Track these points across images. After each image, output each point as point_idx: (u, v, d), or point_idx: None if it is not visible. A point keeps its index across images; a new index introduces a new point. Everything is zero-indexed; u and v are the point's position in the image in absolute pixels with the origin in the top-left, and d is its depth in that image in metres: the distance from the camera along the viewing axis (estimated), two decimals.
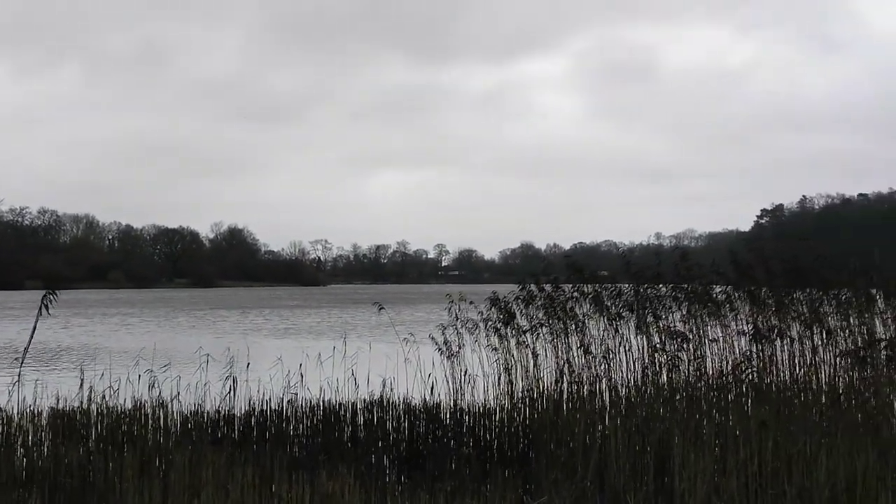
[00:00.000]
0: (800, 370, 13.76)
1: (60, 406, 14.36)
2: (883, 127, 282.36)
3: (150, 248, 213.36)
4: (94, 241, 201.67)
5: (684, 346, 13.63)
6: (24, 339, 12.44)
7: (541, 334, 15.26)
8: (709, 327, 14.56)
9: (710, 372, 13.96)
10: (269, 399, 14.76)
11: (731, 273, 15.17)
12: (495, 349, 15.66)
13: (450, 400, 15.21)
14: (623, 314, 14.80)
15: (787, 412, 12.03)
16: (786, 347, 13.98)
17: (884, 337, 13.23)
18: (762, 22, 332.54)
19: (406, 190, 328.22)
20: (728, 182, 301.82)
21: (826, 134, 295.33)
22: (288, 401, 14.70)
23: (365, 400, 14.97)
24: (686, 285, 14.95)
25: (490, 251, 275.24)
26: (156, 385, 14.59)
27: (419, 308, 69.20)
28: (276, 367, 15.49)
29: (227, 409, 14.56)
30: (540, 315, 15.42)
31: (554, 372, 14.94)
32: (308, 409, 14.70)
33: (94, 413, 14.07)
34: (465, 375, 15.60)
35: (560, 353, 14.95)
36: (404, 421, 14.56)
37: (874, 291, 14.88)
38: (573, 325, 14.89)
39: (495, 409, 14.98)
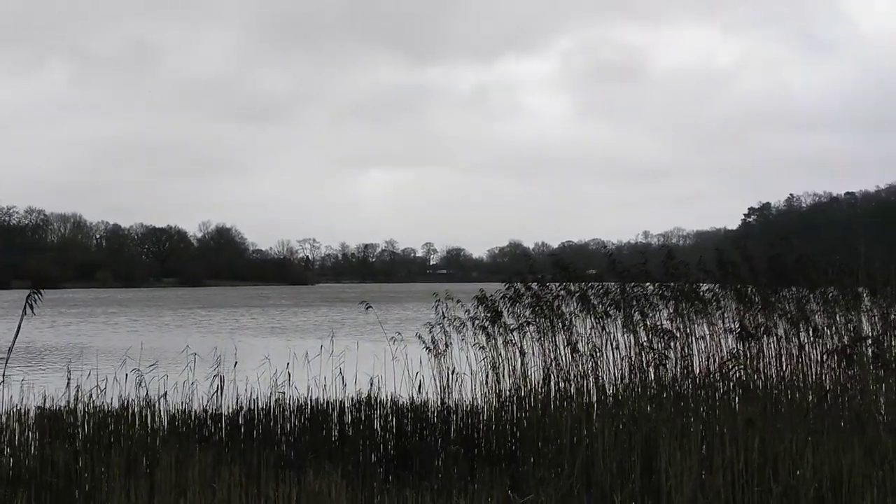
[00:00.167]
0: (786, 368, 13.81)
1: (47, 405, 14.32)
2: (870, 126, 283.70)
3: (138, 247, 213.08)
4: (81, 240, 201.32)
5: (671, 344, 13.66)
6: (9, 338, 12.41)
7: (528, 333, 15.28)
8: (695, 325, 14.60)
9: (697, 370, 14.00)
10: (257, 398, 14.74)
11: (717, 271, 15.22)
12: (483, 348, 15.67)
13: (437, 398, 15.22)
14: (610, 312, 14.84)
15: (774, 410, 12.07)
16: (772, 345, 14.03)
17: (870, 335, 13.28)
18: (750, 22, 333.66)
19: (394, 189, 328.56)
20: (716, 181, 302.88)
21: (814, 133, 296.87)
22: (275, 400, 14.68)
23: (352, 399, 14.96)
24: (672, 283, 14.99)
25: (478, 250, 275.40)
26: (143, 384, 14.55)
27: (407, 307, 69.18)
28: (263, 366, 15.47)
29: (214, 408, 14.53)
30: (527, 314, 15.45)
31: (541, 370, 14.96)
32: (295, 408, 14.68)
33: (81, 412, 14.03)
34: (452, 374, 15.61)
35: (547, 351, 14.97)
36: (392, 419, 14.55)
37: (860, 289, 14.94)
38: (560, 324, 14.91)
39: (483, 407, 14.99)
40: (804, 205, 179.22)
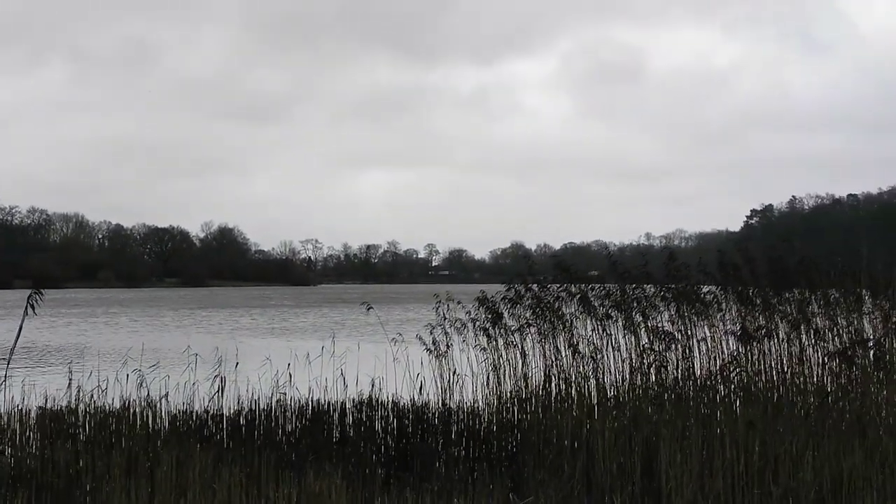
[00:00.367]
0: (787, 370, 13.80)
1: (48, 406, 14.32)
2: (870, 127, 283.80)
3: (140, 247, 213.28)
4: (83, 240, 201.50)
5: (672, 345, 13.66)
6: (10, 338, 12.43)
7: (529, 334, 15.28)
8: (696, 327, 14.59)
9: (698, 372, 14.00)
10: (258, 399, 14.74)
11: (718, 273, 15.22)
12: (484, 349, 15.68)
13: (438, 400, 15.22)
14: (611, 314, 14.84)
15: (775, 412, 12.06)
16: (773, 347, 14.02)
17: (871, 337, 13.28)
18: (749, 22, 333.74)
19: (396, 190, 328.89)
20: (716, 182, 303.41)
21: (815, 134, 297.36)
22: (276, 400, 14.68)
23: (353, 400, 14.96)
24: (674, 285, 14.98)
25: (480, 251, 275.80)
26: (144, 385, 14.55)
27: (408, 308, 69.20)
28: (264, 367, 15.46)
29: (215, 408, 14.53)
30: (528, 315, 15.45)
31: (542, 372, 14.96)
32: (296, 409, 14.68)
33: (82, 413, 14.04)
34: (453, 375, 15.61)
35: (548, 353, 14.97)
36: (392, 421, 14.55)
37: (862, 291, 14.93)
38: (561, 325, 14.91)
39: (483, 408, 14.99)
40: (806, 206, 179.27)
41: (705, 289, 15.27)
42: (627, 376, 14.13)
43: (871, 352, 12.25)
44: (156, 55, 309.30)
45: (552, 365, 14.82)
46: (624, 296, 14.88)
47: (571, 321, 14.98)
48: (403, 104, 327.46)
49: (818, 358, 13.73)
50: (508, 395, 15.09)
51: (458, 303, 16.53)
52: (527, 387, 15.02)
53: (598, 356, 14.43)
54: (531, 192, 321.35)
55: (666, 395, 13.15)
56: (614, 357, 14.54)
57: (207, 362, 15.28)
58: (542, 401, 14.59)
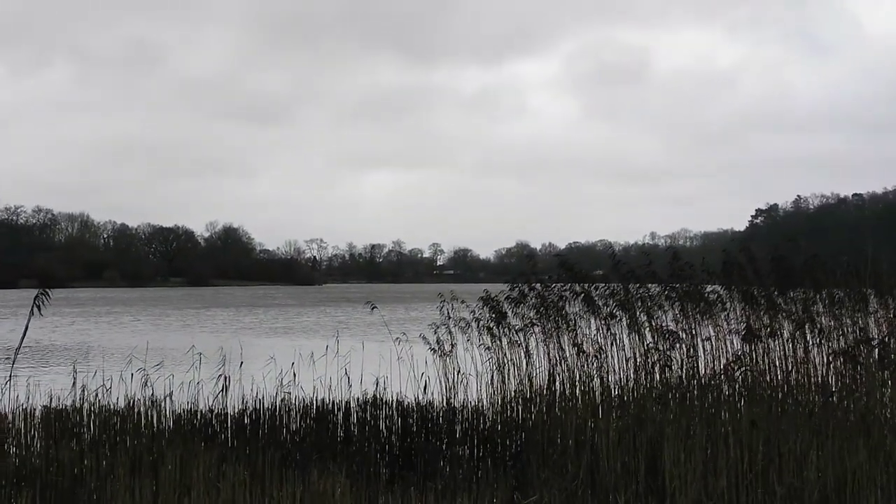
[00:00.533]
0: (792, 369, 13.78)
1: (53, 405, 14.34)
2: (873, 127, 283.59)
3: (145, 246, 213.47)
4: (88, 239, 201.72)
5: (676, 345, 13.66)
6: (14, 338, 12.45)
7: (533, 333, 15.29)
8: (701, 327, 14.59)
9: (703, 371, 13.99)
10: (262, 398, 14.74)
11: (722, 273, 15.21)
12: (488, 348, 15.68)
13: (442, 399, 15.22)
14: (615, 313, 14.84)
15: (779, 411, 12.05)
16: (778, 347, 14.00)
17: (876, 336, 13.25)
18: (751, 23, 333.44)
19: (401, 190, 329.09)
20: (720, 183, 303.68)
21: (819, 134, 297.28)
22: (281, 400, 14.68)
23: (358, 399, 14.96)
24: (678, 285, 14.98)
25: (485, 251, 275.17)
26: (148, 384, 14.57)
27: (412, 307, 69.25)
28: (268, 366, 15.46)
29: (219, 408, 14.55)
30: (532, 314, 15.45)
31: (546, 371, 14.97)
32: (301, 408, 14.69)
33: (87, 412, 14.07)
34: (458, 375, 15.62)
35: (552, 352, 14.98)
36: (397, 420, 14.56)
37: (867, 291, 14.92)
38: (565, 325, 14.92)
39: (488, 408, 15.00)
40: (811, 206, 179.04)
41: (709, 288, 15.27)
42: (632, 376, 14.13)
43: (876, 351, 12.23)
44: (159, 55, 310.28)
45: (556, 364, 14.82)
46: (628, 295, 14.88)
47: (575, 320, 14.99)
48: (407, 105, 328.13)
49: (822, 357, 13.72)
50: (513, 394, 15.10)
51: (463, 302, 16.55)
52: (531, 386, 15.03)
53: (603, 355, 14.43)
54: (535, 192, 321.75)
55: (670, 394, 13.15)
56: (618, 356, 14.55)
57: (212, 362, 15.29)
58: (546, 400, 14.59)
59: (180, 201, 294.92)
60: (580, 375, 14.49)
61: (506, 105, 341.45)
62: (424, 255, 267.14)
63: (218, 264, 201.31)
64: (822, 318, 14.24)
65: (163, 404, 14.30)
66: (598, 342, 14.71)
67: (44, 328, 48.48)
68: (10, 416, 13.73)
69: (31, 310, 10.84)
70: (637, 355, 14.23)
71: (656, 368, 13.58)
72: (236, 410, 14.60)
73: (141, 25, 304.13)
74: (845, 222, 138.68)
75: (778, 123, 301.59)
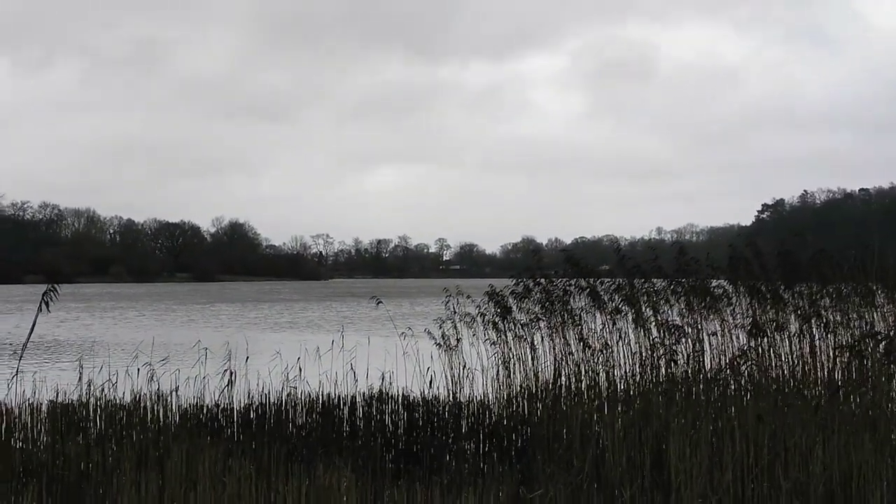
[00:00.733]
0: (798, 364, 13.78)
1: (59, 399, 14.36)
2: (878, 126, 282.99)
3: (152, 242, 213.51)
4: (95, 234, 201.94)
5: (682, 339, 13.65)
6: (20, 333, 12.46)
7: (538, 328, 15.30)
8: (706, 322, 14.58)
9: (709, 366, 13.99)
10: (268, 392, 14.77)
11: (728, 268, 15.21)
12: (494, 343, 15.69)
13: (448, 394, 15.24)
14: (621, 308, 14.84)
15: (785, 406, 12.04)
16: (784, 341, 14.00)
17: (882, 331, 13.24)
18: (758, 20, 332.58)
19: (407, 185, 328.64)
20: (725, 180, 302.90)
21: (823, 133, 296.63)
22: (287, 394, 14.70)
23: (363, 394, 14.98)
24: (684, 280, 14.98)
25: (491, 246, 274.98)
26: (154, 378, 14.60)
27: (418, 302, 69.25)
28: (274, 361, 15.49)
29: (225, 402, 14.57)
30: (536, 309, 15.46)
31: (552, 366, 14.97)
32: (307, 403, 14.71)
33: (93, 406, 14.09)
34: (463, 369, 15.63)
35: (558, 347, 14.98)
36: (403, 414, 14.56)
37: (873, 286, 14.90)
38: (570, 320, 14.92)
39: (493, 402, 15.01)
40: (818, 201, 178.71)
41: (715, 283, 15.27)
42: (637, 370, 14.13)
43: (882, 345, 12.21)
44: (164, 54, 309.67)
45: (562, 359, 14.82)
46: (633, 290, 14.88)
47: (581, 315, 14.99)
48: (412, 101, 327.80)
49: (829, 352, 13.72)
50: (518, 389, 15.11)
51: (468, 297, 16.55)
52: (536, 381, 15.04)
53: (608, 350, 14.43)
54: (541, 187, 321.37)
55: (675, 388, 13.15)
56: (624, 351, 14.55)
57: (217, 357, 15.30)
58: (551, 395, 14.60)
59: (184, 200, 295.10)
60: (586, 370, 14.49)
61: (510, 102, 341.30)
62: (430, 251, 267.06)
63: (224, 260, 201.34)
64: (829, 313, 14.23)
65: (169, 399, 14.32)
66: (603, 337, 14.71)
67: (50, 323, 48.55)
68: (16, 411, 13.74)
69: (40, 305, 10.84)
70: (643, 350, 14.22)
71: (662, 363, 13.58)
72: (242, 405, 14.63)
73: (144, 25, 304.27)
74: (852, 217, 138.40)
75: (782, 121, 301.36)
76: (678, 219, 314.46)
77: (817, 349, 13.81)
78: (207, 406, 14.53)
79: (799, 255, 15.46)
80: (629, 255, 16.00)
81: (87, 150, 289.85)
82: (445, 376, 15.59)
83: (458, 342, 15.85)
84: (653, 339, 14.05)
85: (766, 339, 13.68)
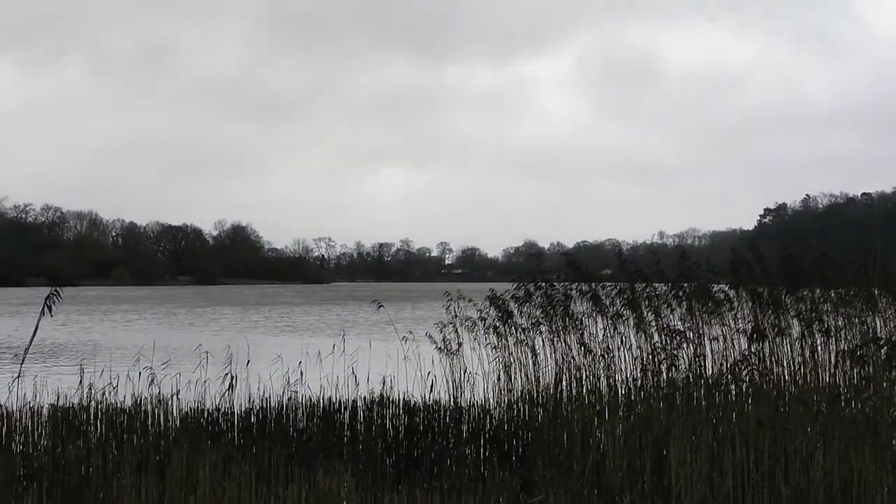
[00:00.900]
0: (799, 369, 13.76)
1: (60, 403, 14.35)
2: (885, 128, 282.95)
3: (154, 245, 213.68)
4: (97, 237, 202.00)
5: (683, 344, 13.63)
6: (20, 336, 12.46)
7: (540, 333, 15.28)
8: (708, 326, 14.56)
9: (710, 371, 13.97)
10: (269, 396, 14.77)
11: (729, 272, 15.19)
12: (495, 348, 15.68)
13: (449, 398, 15.23)
14: (622, 313, 14.82)
15: (786, 411, 12.02)
16: (786, 346, 13.98)
17: (883, 336, 13.22)
18: (762, 22, 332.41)
19: (410, 188, 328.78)
20: (730, 182, 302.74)
21: (829, 134, 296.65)
22: (287, 398, 14.70)
23: (364, 398, 14.98)
24: (685, 284, 14.97)
25: (494, 250, 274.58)
26: (155, 382, 14.59)
27: (419, 306, 69.24)
28: (275, 365, 15.49)
29: (226, 406, 14.56)
30: (538, 313, 15.44)
31: (552, 371, 14.96)
32: (307, 407, 14.71)
33: (94, 410, 14.08)
34: (464, 374, 15.62)
35: (559, 351, 14.97)
36: (403, 419, 14.56)
37: (875, 290, 14.89)
38: (571, 324, 14.90)
39: (494, 407, 15.00)
40: (820, 205, 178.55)
41: (716, 287, 15.25)
42: (638, 375, 14.12)
43: (884, 350, 12.19)
44: (172, 54, 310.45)
45: (563, 363, 14.81)
46: (634, 294, 14.86)
47: (582, 320, 14.98)
48: (418, 103, 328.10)
49: (830, 357, 13.70)
50: (519, 393, 15.09)
51: (470, 301, 16.54)
52: (537, 386, 15.02)
53: (609, 355, 14.42)
54: (544, 190, 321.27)
55: (677, 393, 13.13)
56: (625, 356, 14.53)
57: (218, 360, 15.28)
58: (552, 400, 14.58)
59: (190, 200, 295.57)
60: (587, 375, 14.48)
61: (516, 104, 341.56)
62: (433, 254, 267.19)
63: (226, 263, 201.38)
64: (831, 318, 14.21)
65: (169, 403, 14.32)
66: (604, 342, 14.70)
67: (51, 326, 48.54)
68: (17, 414, 13.74)
69: (42, 309, 10.83)
70: (644, 355, 14.21)
71: (663, 368, 13.56)
72: (243, 409, 14.63)
73: (153, 24, 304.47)
74: (854, 221, 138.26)
75: (787, 122, 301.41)
76: (681, 221, 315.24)
77: (819, 354, 13.78)
78: (208, 410, 14.53)
79: (801, 260, 15.45)
80: (631, 260, 15.97)
81: (94, 149, 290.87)
82: (446, 381, 15.58)
83: (459, 346, 15.84)
84: (654, 344, 14.03)
85: (767, 344, 13.65)
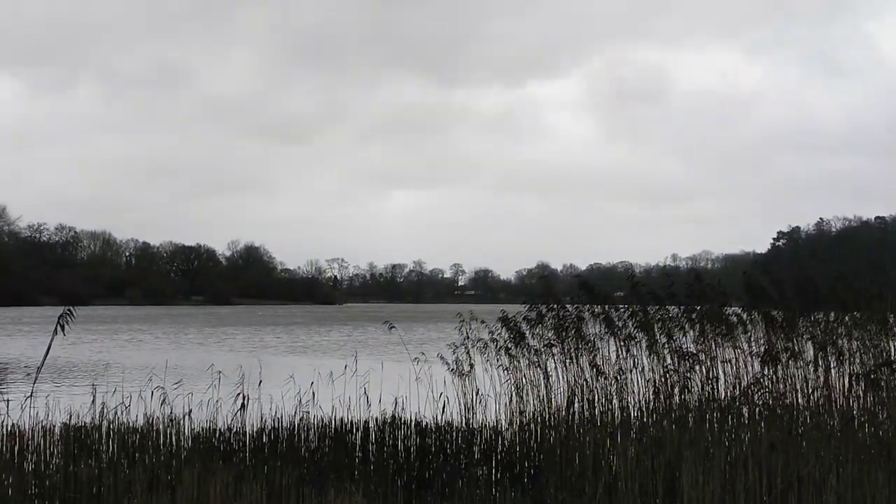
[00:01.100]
0: (812, 392, 13.71)
1: (72, 422, 14.37)
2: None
3: (167, 265, 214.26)
4: (111, 257, 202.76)
5: (696, 367, 13.60)
6: (33, 354, 12.50)
7: (552, 354, 15.27)
8: (720, 349, 14.54)
9: (723, 394, 13.93)
10: (281, 416, 14.76)
11: (744, 295, 15.17)
12: (506, 369, 15.66)
13: (461, 419, 15.21)
14: (635, 335, 14.81)
15: (799, 434, 11.98)
16: (799, 369, 13.94)
17: None
18: (772, 45, 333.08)
19: (423, 209, 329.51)
20: (743, 204, 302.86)
21: (840, 157, 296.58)
22: (299, 418, 14.69)
23: (376, 419, 14.96)
24: (698, 306, 14.95)
25: (506, 272, 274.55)
26: (167, 402, 14.59)
27: (431, 327, 69.21)
28: (287, 385, 15.49)
29: (238, 426, 14.56)
30: (550, 335, 15.43)
31: (565, 392, 14.93)
32: (319, 427, 14.69)
33: (106, 429, 14.08)
34: (476, 395, 15.59)
35: (571, 373, 14.94)
36: (415, 440, 14.53)
37: (889, 314, 14.84)
38: (584, 346, 14.89)
39: (506, 428, 14.97)
40: (834, 228, 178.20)
41: (729, 310, 15.23)
42: (651, 397, 14.08)
43: None
44: (185, 76, 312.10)
45: (575, 385, 14.78)
46: (647, 316, 14.85)
47: (594, 342, 14.96)
48: (429, 125, 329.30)
49: (843, 380, 13.65)
50: (531, 415, 15.06)
51: (482, 322, 16.54)
52: (549, 407, 14.98)
53: (622, 377, 14.39)
54: (557, 212, 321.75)
55: (689, 416, 13.10)
56: (637, 378, 14.50)
57: (230, 380, 15.30)
58: (564, 421, 14.54)
59: (203, 220, 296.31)
60: (599, 397, 14.45)
61: (526, 125, 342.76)
62: (445, 276, 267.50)
63: (239, 283, 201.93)
64: (844, 341, 14.17)
65: (181, 422, 14.31)
66: (617, 364, 14.67)
67: (63, 345, 48.65)
68: (29, 433, 13.76)
69: (55, 328, 10.86)
70: (656, 377, 14.18)
71: (675, 390, 13.53)
72: (255, 429, 14.61)
73: (166, 46, 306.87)
74: (868, 244, 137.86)
75: (799, 145, 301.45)
76: (693, 243, 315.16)
77: (832, 377, 13.74)
78: (220, 430, 14.52)
79: (817, 282, 15.42)
80: (644, 282, 15.97)
81: (107, 170, 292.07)
82: (458, 402, 15.56)
83: (471, 368, 15.82)
84: (666, 367, 14.00)
85: (780, 367, 13.62)
